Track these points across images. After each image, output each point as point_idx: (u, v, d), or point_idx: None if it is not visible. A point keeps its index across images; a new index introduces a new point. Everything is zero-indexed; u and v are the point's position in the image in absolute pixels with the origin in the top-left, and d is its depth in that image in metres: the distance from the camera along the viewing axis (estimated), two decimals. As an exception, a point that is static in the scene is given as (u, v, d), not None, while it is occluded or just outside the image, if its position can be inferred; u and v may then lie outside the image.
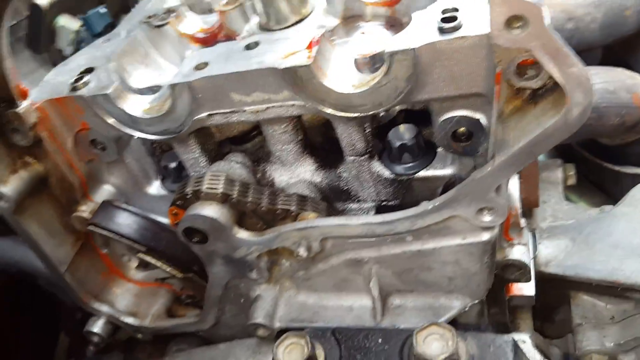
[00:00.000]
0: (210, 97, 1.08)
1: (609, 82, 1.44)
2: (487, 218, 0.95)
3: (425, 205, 0.97)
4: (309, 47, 1.03)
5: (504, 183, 0.92)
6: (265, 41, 1.10)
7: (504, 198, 0.92)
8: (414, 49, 0.92)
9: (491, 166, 0.88)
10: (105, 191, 1.37)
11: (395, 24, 1.24)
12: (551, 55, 0.72)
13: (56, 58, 1.76)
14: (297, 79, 1.01)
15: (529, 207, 1.44)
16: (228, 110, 1.09)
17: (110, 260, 1.50)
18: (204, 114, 1.11)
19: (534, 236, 1.37)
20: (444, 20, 0.92)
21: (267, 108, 1.07)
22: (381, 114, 1.20)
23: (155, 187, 1.37)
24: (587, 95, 0.75)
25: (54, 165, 1.23)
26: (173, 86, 1.07)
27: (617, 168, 1.69)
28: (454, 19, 0.92)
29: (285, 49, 1.04)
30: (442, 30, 0.92)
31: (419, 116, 1.21)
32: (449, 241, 1.01)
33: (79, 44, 1.68)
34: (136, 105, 1.15)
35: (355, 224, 1.04)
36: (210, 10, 1.63)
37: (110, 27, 1.73)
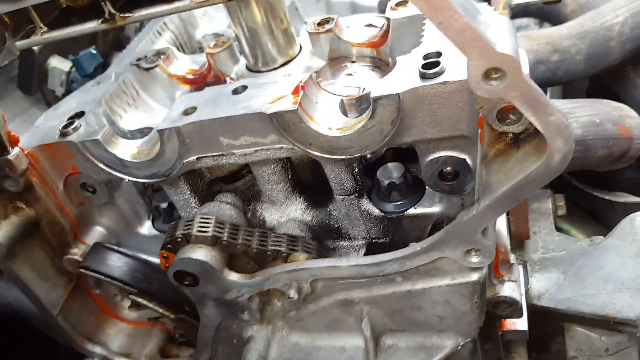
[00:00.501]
0: (199, 141, 1.09)
1: (595, 114, 1.46)
2: (474, 259, 0.95)
3: (414, 247, 0.98)
4: (295, 91, 1.04)
5: (490, 225, 0.93)
6: (252, 85, 1.11)
7: (490, 240, 0.93)
8: (397, 94, 0.93)
9: (476, 209, 0.88)
10: (97, 232, 1.37)
11: (380, 65, 1.26)
12: (530, 105, 0.74)
13: (49, 98, 1.78)
14: (284, 123, 1.02)
15: (520, 239, 1.44)
16: (217, 154, 1.10)
17: (103, 300, 1.50)
18: (193, 158, 1.12)
19: (525, 269, 1.37)
20: (426, 66, 0.94)
21: (256, 151, 1.08)
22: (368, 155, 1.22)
23: (146, 228, 1.37)
24: (567, 142, 0.76)
25: (45, 209, 1.24)
26: (161, 131, 1.08)
27: (607, 197, 1.70)
28: (436, 64, 0.94)
29: (272, 94, 1.06)
30: (424, 76, 0.93)
31: (407, 152, 1.22)
32: (438, 282, 1.01)
33: (70, 84, 1.70)
34: (126, 150, 1.16)
35: (345, 265, 1.04)
36: (200, 49, 1.66)
37: (101, 67, 1.75)
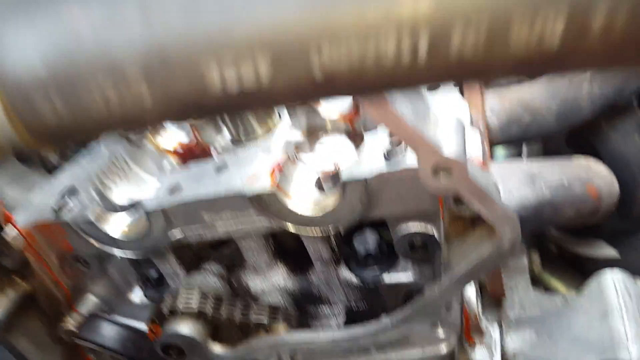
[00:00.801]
0: (184, 218, 1.16)
1: (564, 176, 1.53)
2: (441, 334, 1.01)
3: (386, 322, 1.04)
4: (273, 172, 1.12)
5: (453, 300, 0.99)
6: (233, 163, 1.19)
7: (454, 314, 0.99)
8: (365, 179, 1.01)
9: (438, 287, 0.95)
10: (90, 302, 1.43)
11: (355, 137, 1.34)
12: (477, 199, 0.81)
13: (46, 164, 1.85)
14: (261, 202, 1.09)
15: (495, 297, 1.50)
16: (200, 229, 1.17)
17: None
18: (179, 234, 1.19)
19: (500, 327, 1.43)
20: (390, 153, 1.02)
21: (236, 225, 1.15)
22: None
23: (137, 296, 1.43)
24: (514, 230, 0.83)
25: (40, 283, 1.30)
26: (149, 214, 1.15)
27: (582, 252, 1.76)
28: (399, 151, 1.02)
29: (251, 172, 1.13)
30: (388, 162, 1.01)
31: (381, 223, 1.29)
32: (410, 353, 1.07)
33: (63, 152, 1.77)
34: (116, 227, 1.24)
35: (322, 339, 1.10)
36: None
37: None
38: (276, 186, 1.08)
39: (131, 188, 1.42)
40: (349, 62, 0.39)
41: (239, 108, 0.43)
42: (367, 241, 1.23)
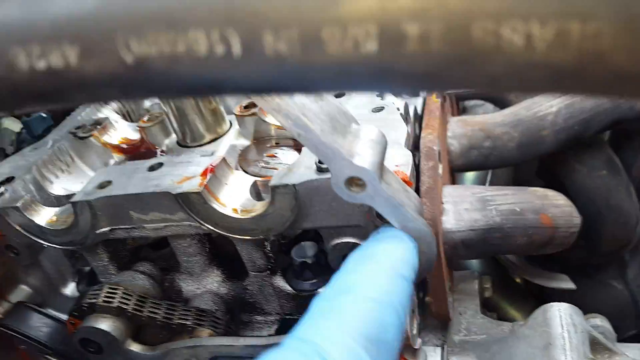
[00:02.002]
0: (110, 214, 1.13)
1: (517, 203, 1.51)
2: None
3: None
4: (204, 173, 1.09)
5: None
6: (168, 163, 1.16)
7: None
8: (293, 185, 0.98)
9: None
10: (22, 291, 1.39)
11: (300, 147, 1.31)
12: (390, 212, 0.78)
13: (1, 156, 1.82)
14: (189, 203, 1.06)
15: (440, 320, 1.46)
16: (128, 227, 1.14)
17: (29, 356, 1.50)
18: (106, 229, 1.15)
19: (443, 350, 1.39)
20: (320, 161, 1.00)
21: (165, 226, 1.12)
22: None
23: (70, 289, 1.39)
24: (429, 247, 0.81)
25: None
26: (74, 204, 1.12)
27: (545, 284, 1.73)
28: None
29: (182, 174, 1.10)
30: (320, 169, 0.99)
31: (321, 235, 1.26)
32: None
33: (20, 144, 1.75)
34: (44, 217, 1.20)
35: (241, 344, 1.06)
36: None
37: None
38: (204, 187, 1.05)
39: (73, 182, 1.39)
40: (159, 51, 0.36)
41: (53, 95, 0.41)
42: (305, 251, 1.20)
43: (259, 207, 1.05)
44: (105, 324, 1.12)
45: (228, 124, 1.36)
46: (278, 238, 1.23)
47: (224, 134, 1.34)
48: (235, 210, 1.07)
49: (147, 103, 1.75)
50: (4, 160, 1.40)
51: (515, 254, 1.63)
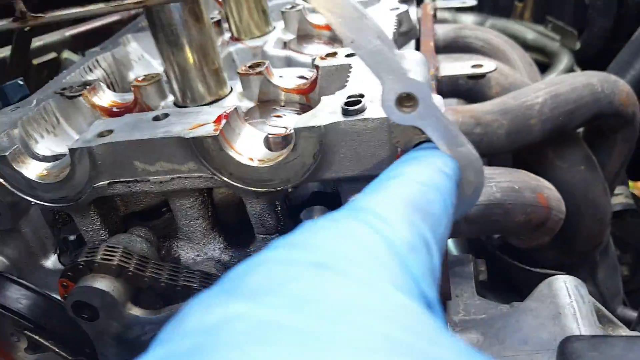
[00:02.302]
0: (112, 164, 1.04)
1: (514, 181, 1.51)
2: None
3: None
4: (218, 120, 1.03)
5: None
6: (174, 114, 1.09)
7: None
8: (320, 126, 0.94)
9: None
10: (-3, 263, 1.26)
11: (307, 110, 1.27)
12: (440, 133, 0.75)
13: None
14: (203, 150, 0.99)
15: (441, 298, 1.43)
16: (130, 179, 1.06)
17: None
18: (105, 182, 1.06)
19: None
20: (348, 103, 0.96)
21: (172, 179, 1.05)
22: (293, 194, 1.20)
23: (51, 261, 1.28)
24: (477, 175, 0.78)
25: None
26: (72, 151, 1.03)
27: (527, 267, 1.73)
28: (357, 102, 0.96)
29: (193, 122, 1.04)
30: (346, 112, 0.95)
31: (331, 200, 1.21)
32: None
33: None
34: (34, 170, 1.10)
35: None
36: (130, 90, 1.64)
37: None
38: (220, 132, 0.99)
39: (57, 143, 1.30)
40: None
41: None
42: (315, 215, 1.14)
43: (279, 155, 1.00)
44: (103, 284, 1.02)
45: (229, 88, 1.31)
46: (285, 201, 1.18)
47: (225, 97, 1.29)
48: (251, 159, 1.01)
49: (131, 75, 1.67)
50: (-16, 119, 1.29)
51: (511, 233, 1.63)
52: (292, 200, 1.21)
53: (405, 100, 0.74)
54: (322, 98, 1.03)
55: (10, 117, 1.25)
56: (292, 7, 1.68)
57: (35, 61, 1.85)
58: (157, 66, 1.75)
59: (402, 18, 1.40)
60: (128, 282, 1.04)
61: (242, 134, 1.06)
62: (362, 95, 0.99)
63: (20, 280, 1.22)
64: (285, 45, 1.65)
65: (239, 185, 1.03)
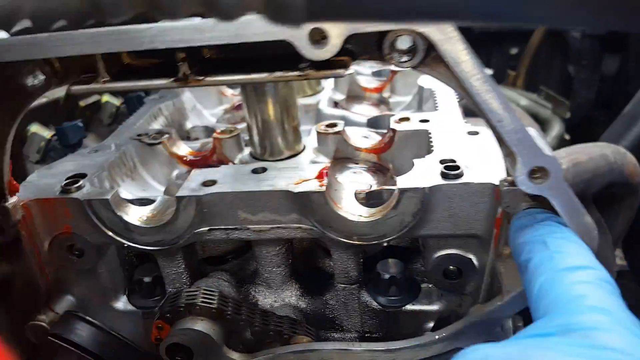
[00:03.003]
0: (217, 212, 1.10)
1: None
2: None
3: (431, 336, 1.01)
4: (320, 176, 1.10)
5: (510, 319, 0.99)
6: (271, 168, 1.16)
7: (507, 334, 0.99)
8: (424, 188, 1.02)
9: (500, 301, 0.95)
10: (67, 302, 1.27)
11: (380, 170, 1.36)
12: (566, 205, 0.84)
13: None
14: (309, 203, 1.06)
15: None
16: (230, 227, 1.11)
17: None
18: (205, 229, 1.11)
19: None
20: (447, 168, 1.05)
21: (272, 228, 1.11)
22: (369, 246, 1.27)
23: (122, 302, 1.29)
24: (591, 242, 0.86)
25: (24, 267, 1.15)
26: (180, 198, 1.08)
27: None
28: (456, 167, 1.05)
29: (294, 176, 1.11)
30: (445, 176, 1.04)
31: (402, 252, 1.29)
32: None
33: (47, 153, 1.65)
34: (133, 215, 1.14)
35: (358, 349, 1.04)
36: (187, 138, 1.70)
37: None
38: (325, 187, 1.06)
39: (135, 187, 1.34)
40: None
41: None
42: (389, 267, 1.21)
43: (380, 211, 1.07)
44: (203, 326, 1.06)
45: (303, 145, 1.38)
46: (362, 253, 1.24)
47: (300, 152, 1.36)
48: (352, 214, 1.08)
49: (188, 124, 1.73)
50: (62, 159, 1.32)
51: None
52: (367, 252, 1.28)
53: (537, 172, 0.83)
54: (415, 161, 1.12)
55: (93, 160, 1.29)
56: (345, 69, 1.79)
57: (82, 103, 1.89)
58: (208, 117, 1.82)
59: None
60: (225, 325, 1.08)
61: (338, 190, 1.13)
62: (453, 161, 1.09)
63: (93, 320, 1.23)
64: (336, 104, 1.75)
65: (335, 237, 1.09)
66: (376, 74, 2.02)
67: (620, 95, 3.60)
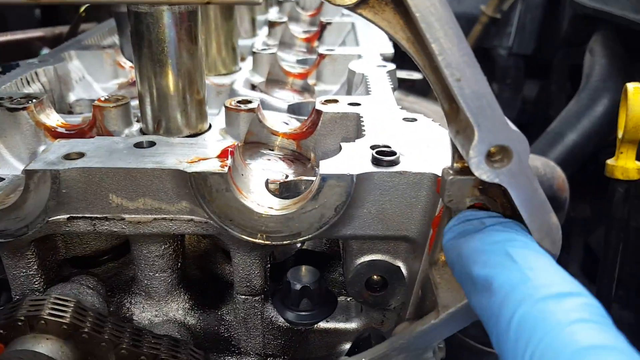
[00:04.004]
0: (80, 195, 0.83)
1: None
2: (419, 383, 0.79)
3: (351, 362, 0.79)
4: (222, 155, 0.87)
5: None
6: (161, 143, 0.91)
7: (439, 358, 0.79)
8: (351, 175, 0.81)
9: (435, 319, 0.75)
10: None
11: (299, 159, 1.14)
12: (527, 198, 0.66)
13: None
14: (205, 188, 0.82)
15: None
16: (99, 216, 0.85)
17: None
18: (64, 216, 0.84)
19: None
20: (380, 153, 0.85)
21: (155, 219, 0.85)
22: (277, 251, 1.05)
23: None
24: (554, 246, 0.69)
25: None
26: (30, 173, 0.81)
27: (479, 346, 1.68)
28: (391, 153, 0.85)
29: (189, 153, 0.87)
30: (378, 162, 0.84)
31: (318, 259, 1.07)
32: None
33: None
34: (-35, 192, 0.85)
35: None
36: (70, 112, 1.41)
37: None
38: (227, 167, 0.83)
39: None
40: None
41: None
42: (302, 277, 0.99)
43: (294, 203, 0.85)
44: (47, 347, 0.78)
45: (208, 124, 1.15)
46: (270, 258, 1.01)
47: (204, 132, 1.12)
48: (259, 205, 0.85)
49: (72, 97, 1.44)
50: None
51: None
52: (274, 258, 1.05)
53: (497, 153, 0.64)
54: (343, 145, 0.91)
55: None
56: (265, 49, 1.57)
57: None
58: (99, 90, 1.54)
59: (391, 76, 1.34)
60: (80, 347, 0.81)
61: (245, 176, 0.90)
62: (388, 146, 0.89)
63: None
64: (253, 87, 1.52)
65: (236, 233, 0.85)
66: (301, 62, 1.81)
67: (540, 119, 3.64)
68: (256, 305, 0.96)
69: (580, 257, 2.92)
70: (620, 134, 1.47)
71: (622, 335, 0.49)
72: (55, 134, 1.12)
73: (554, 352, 0.47)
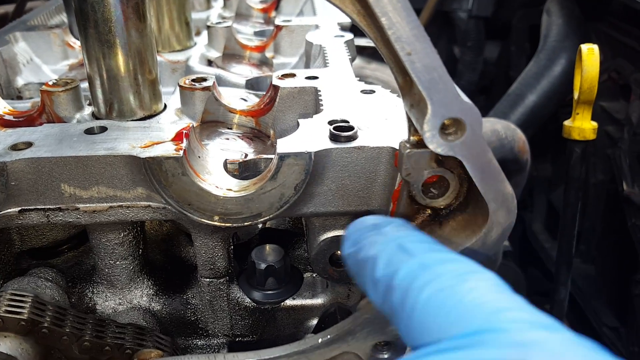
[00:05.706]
0: (31, 187, 0.80)
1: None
2: (383, 355, 0.80)
3: (313, 340, 0.79)
4: (177, 138, 0.85)
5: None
6: (113, 127, 0.89)
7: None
8: (309, 152, 0.80)
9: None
10: None
11: (258, 136, 1.12)
12: (481, 168, 0.66)
13: None
14: (160, 173, 0.80)
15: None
16: (52, 207, 0.82)
17: None
18: (15, 209, 0.82)
19: None
20: (337, 128, 0.84)
21: (110, 208, 0.83)
22: (240, 231, 1.04)
23: None
24: (509, 215, 0.70)
25: None
26: (-24, 166, 0.78)
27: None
28: (349, 128, 0.84)
29: (143, 138, 0.84)
30: (335, 138, 0.83)
31: (281, 237, 1.07)
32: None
33: None
34: None
35: (226, 363, 0.80)
36: (19, 98, 1.36)
37: None
38: (182, 151, 0.81)
39: None
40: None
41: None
42: (268, 255, 0.99)
43: (253, 184, 0.84)
44: (7, 345, 0.76)
45: (164, 105, 1.11)
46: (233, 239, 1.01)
47: (159, 113, 1.09)
48: (217, 187, 0.84)
49: (20, 81, 1.39)
50: None
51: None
52: (238, 238, 1.04)
53: (451, 126, 0.64)
54: (300, 121, 0.89)
55: None
56: (220, 22, 1.53)
57: None
58: (48, 73, 1.48)
59: (349, 46, 1.32)
60: (40, 341, 0.79)
61: (202, 157, 0.88)
62: (346, 121, 0.88)
63: None
64: (210, 63, 1.48)
65: (195, 217, 0.84)
66: (258, 33, 1.77)
67: (502, 80, 3.67)
68: (221, 287, 0.96)
69: (543, 215, 3.00)
70: (576, 95, 1.49)
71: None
72: (2, 122, 1.07)
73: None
